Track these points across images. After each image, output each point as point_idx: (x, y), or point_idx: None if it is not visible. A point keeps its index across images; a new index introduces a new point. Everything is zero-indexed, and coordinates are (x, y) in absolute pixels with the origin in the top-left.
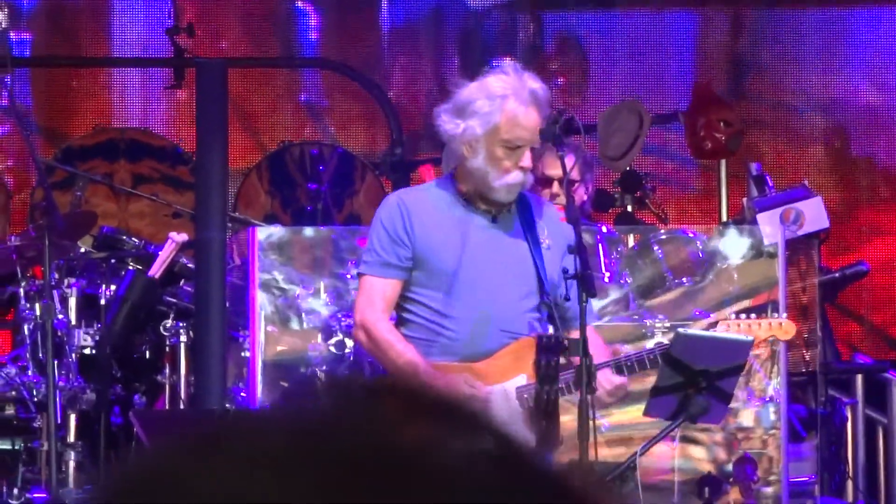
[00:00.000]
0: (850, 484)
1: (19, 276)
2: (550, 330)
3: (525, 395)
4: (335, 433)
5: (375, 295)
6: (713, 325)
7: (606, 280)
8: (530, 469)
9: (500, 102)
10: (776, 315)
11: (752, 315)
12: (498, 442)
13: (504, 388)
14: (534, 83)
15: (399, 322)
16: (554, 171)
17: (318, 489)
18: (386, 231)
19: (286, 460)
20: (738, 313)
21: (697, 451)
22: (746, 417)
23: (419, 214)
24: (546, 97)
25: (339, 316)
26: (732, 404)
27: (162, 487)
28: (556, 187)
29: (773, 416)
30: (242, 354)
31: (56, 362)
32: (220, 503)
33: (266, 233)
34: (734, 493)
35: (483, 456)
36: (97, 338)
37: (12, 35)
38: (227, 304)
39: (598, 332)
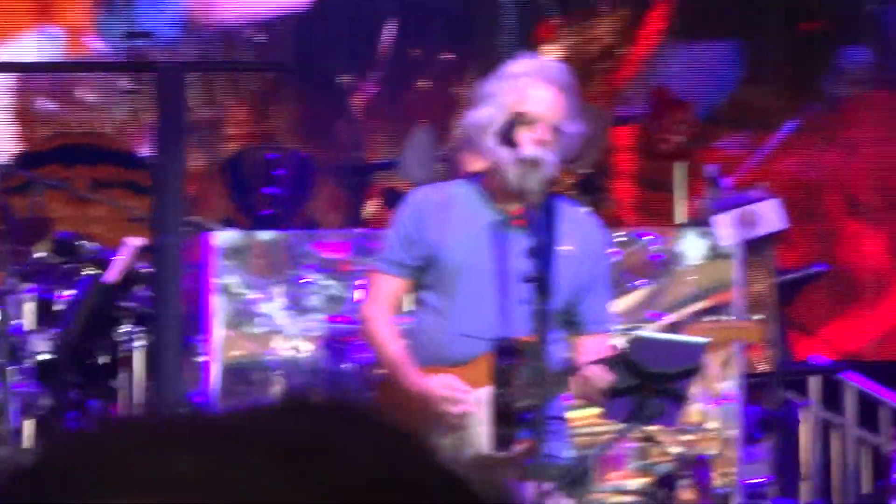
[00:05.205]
0: (803, 485)
1: None
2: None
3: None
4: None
5: (379, 291)
6: (675, 325)
7: None
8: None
9: (514, 81)
10: (742, 317)
11: (715, 317)
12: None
13: (478, 394)
14: (552, 65)
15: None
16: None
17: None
18: (398, 228)
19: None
20: (696, 314)
21: (653, 452)
22: (702, 418)
23: (435, 213)
24: (566, 80)
25: (296, 320)
26: (688, 405)
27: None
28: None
29: (728, 418)
30: (199, 359)
31: (12, 368)
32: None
33: (222, 237)
34: (689, 494)
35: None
36: (53, 343)
37: None
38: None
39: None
